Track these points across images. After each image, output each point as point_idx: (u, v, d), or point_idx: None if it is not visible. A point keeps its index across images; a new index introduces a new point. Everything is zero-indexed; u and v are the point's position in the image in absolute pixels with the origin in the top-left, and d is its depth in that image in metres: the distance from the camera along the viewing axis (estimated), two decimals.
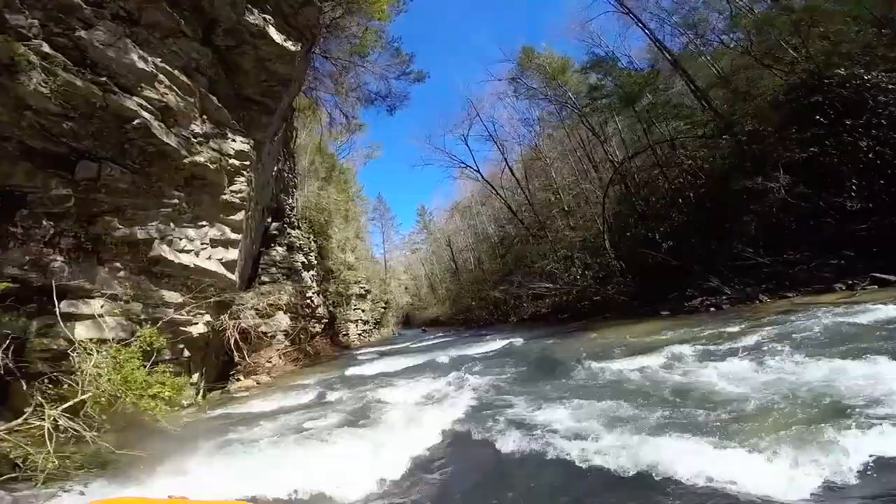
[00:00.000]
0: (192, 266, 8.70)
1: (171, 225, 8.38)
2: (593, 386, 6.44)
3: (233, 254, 10.08)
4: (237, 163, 10.08)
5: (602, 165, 27.86)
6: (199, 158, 8.77)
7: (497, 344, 14.35)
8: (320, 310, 21.80)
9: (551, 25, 74.99)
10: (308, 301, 19.53)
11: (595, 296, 18.70)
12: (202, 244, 9.18)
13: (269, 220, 18.99)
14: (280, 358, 15.60)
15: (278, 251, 19.01)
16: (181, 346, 8.75)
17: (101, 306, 6.81)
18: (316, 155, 30.31)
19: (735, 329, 8.34)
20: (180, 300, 8.39)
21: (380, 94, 24.17)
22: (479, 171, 36.08)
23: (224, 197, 9.80)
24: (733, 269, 13.08)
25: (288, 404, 8.49)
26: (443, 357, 12.69)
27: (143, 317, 7.47)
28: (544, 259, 23.78)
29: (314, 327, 20.26)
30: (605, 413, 4.95)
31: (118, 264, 7.39)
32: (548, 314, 24.00)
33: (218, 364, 12.00)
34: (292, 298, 17.21)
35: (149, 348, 5.87)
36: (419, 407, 6.88)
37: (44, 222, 6.40)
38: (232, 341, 11.49)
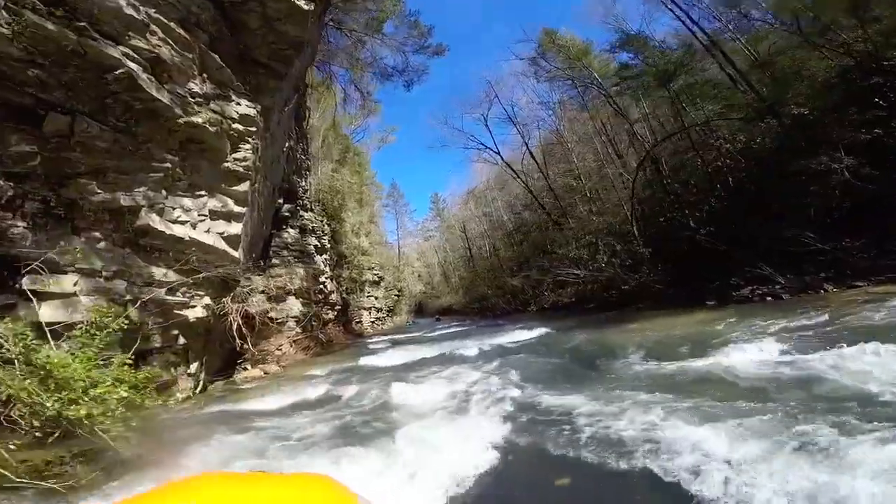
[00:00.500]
0: (187, 239, 7.59)
1: (163, 192, 7.26)
2: (670, 385, 5.27)
3: (235, 228, 8.99)
4: (241, 128, 8.98)
5: (628, 150, 26.48)
6: (197, 119, 7.66)
7: (523, 334, 13.20)
8: (333, 296, 20.88)
9: (572, 13, 73.17)
10: (321, 286, 18.58)
11: (624, 284, 17.45)
12: (200, 215, 8.08)
13: (281, 201, 17.98)
14: (290, 346, 14.68)
15: (290, 233, 18.03)
16: (175, 331, 7.74)
17: (75, 283, 5.79)
18: (330, 131, 29.17)
19: (814, 321, 7.12)
20: (173, 278, 7.33)
21: (396, 68, 23.18)
22: (498, 153, 35.01)
23: (226, 165, 8.71)
24: (783, 256, 11.84)
25: (296, 400, 7.46)
26: (465, 349, 11.53)
27: (127, 297, 6.42)
28: (567, 245, 22.48)
29: (327, 314, 19.34)
30: (718, 420, 3.79)
31: (97, 234, 6.30)
32: (570, 304, 22.87)
33: (223, 352, 11.04)
34: (304, 283, 16.26)
35: (95, 332, 4.57)
36: (446, 409, 5.79)
37: (0, 182, 5.34)
38: (234, 327, 10.47)
